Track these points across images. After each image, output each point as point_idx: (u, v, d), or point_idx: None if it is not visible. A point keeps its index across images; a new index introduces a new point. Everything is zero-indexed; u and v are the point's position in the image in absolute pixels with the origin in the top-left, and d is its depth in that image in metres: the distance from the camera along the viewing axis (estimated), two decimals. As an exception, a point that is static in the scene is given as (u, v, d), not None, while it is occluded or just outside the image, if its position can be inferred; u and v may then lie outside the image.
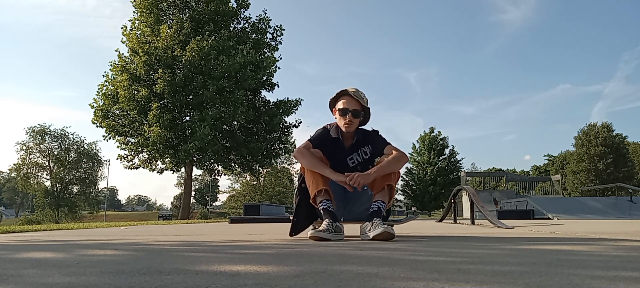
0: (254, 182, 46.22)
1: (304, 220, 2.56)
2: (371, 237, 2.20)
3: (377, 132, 2.62)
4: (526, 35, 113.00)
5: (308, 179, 2.41)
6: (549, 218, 9.36)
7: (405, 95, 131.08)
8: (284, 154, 21.31)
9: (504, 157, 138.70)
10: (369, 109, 2.58)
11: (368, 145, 2.59)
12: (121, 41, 17.46)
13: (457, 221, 7.19)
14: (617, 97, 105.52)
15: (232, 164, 19.39)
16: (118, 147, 17.67)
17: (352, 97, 2.50)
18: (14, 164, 39.03)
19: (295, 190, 2.60)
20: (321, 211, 2.33)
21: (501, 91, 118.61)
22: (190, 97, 16.86)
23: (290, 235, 2.54)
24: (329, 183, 2.37)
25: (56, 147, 38.74)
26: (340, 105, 2.53)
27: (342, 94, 2.54)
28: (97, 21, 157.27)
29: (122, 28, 17.43)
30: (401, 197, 45.65)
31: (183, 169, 19.02)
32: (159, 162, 17.94)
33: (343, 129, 2.53)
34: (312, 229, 2.33)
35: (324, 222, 2.26)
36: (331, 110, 2.64)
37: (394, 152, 2.44)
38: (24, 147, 38.11)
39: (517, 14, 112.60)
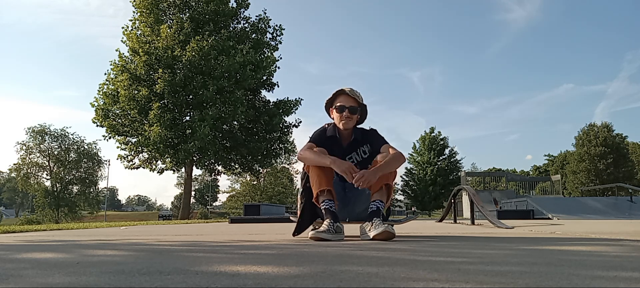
0: (254, 182, 46.26)
1: (308, 221, 2.56)
2: (371, 237, 2.19)
3: (375, 130, 2.61)
4: (530, 35, 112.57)
5: (312, 178, 2.40)
6: (549, 218, 9.35)
7: (408, 95, 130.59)
8: (284, 154, 21.35)
9: (506, 157, 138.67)
10: (365, 106, 2.59)
11: (367, 144, 2.59)
12: (121, 41, 17.52)
13: (457, 221, 7.19)
14: (621, 96, 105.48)
15: (232, 164, 19.42)
16: (118, 147, 17.72)
17: (348, 95, 2.52)
18: (14, 164, 39.03)
19: (300, 189, 2.60)
20: (323, 211, 2.33)
21: (504, 91, 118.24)
22: (190, 97, 16.88)
23: (294, 235, 2.54)
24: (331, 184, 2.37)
25: (56, 147, 38.74)
26: (337, 103, 2.54)
27: (338, 93, 2.56)
28: (100, 20, 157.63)
29: (123, 28, 17.48)
30: (401, 197, 45.74)
31: (183, 169, 19.04)
32: (159, 162, 17.96)
33: (340, 126, 2.54)
34: (313, 229, 2.33)
35: (325, 222, 2.25)
36: (327, 111, 2.65)
37: (391, 150, 2.43)
38: (24, 147, 38.12)
39: (521, 13, 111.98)
